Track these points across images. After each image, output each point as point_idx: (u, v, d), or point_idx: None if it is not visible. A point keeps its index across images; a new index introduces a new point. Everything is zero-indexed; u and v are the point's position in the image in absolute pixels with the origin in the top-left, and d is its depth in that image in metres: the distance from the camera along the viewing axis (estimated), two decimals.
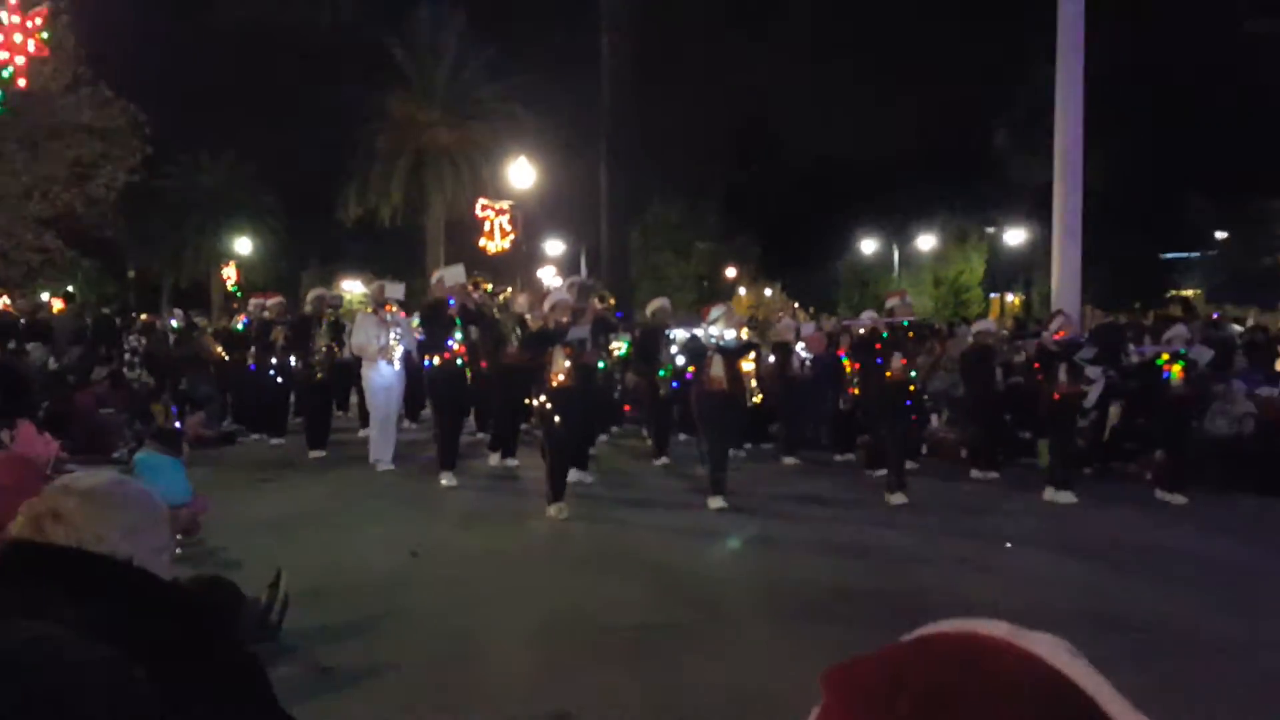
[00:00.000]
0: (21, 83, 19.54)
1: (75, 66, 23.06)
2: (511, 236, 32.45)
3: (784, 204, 50.66)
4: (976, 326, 16.14)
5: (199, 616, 2.38)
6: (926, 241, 50.95)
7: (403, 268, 28.97)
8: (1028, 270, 44.81)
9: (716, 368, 12.17)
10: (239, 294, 38.63)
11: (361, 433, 16.94)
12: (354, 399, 18.63)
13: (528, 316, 14.27)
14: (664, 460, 15.54)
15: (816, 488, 13.75)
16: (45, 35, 20.54)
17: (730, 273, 51.51)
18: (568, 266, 39.29)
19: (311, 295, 17.83)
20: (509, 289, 19.44)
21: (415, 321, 15.66)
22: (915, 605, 6.79)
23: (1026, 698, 1.05)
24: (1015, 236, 45.65)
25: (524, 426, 15.61)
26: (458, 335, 13.27)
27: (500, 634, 7.35)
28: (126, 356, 19.86)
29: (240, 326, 19.42)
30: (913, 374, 13.39)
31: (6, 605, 2.00)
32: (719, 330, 12.56)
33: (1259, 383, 13.80)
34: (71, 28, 22.61)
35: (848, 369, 15.58)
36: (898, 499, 12.45)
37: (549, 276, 33.18)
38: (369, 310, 15.21)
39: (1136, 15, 32.65)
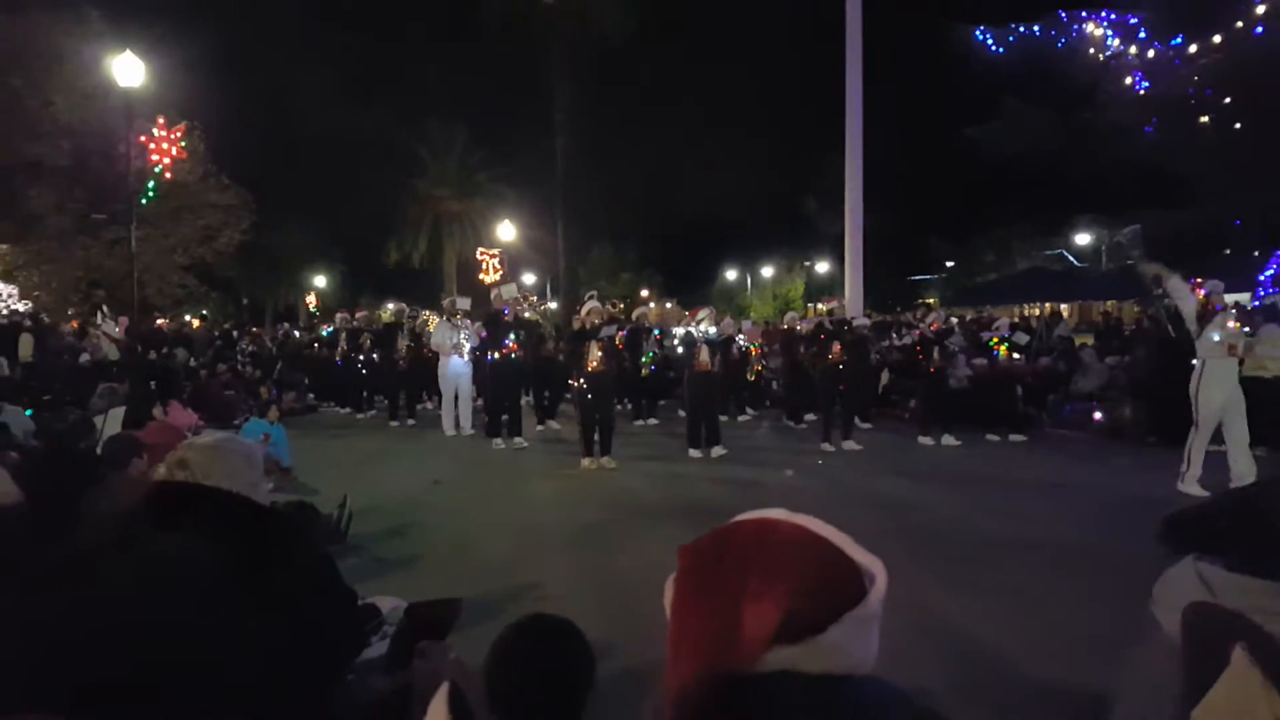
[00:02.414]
0: (167, 176, 19.20)
1: (204, 164, 22.73)
2: (501, 272, 32.29)
3: (676, 245, 50.69)
4: (857, 321, 15.05)
5: (288, 527, 2.40)
6: (767, 270, 51.37)
7: (427, 295, 28.69)
8: (830, 288, 45.29)
9: (704, 355, 11.39)
10: (317, 313, 38.25)
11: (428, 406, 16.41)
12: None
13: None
14: (653, 421, 14.59)
15: (753, 439, 13.02)
16: (184, 143, 20.20)
17: (644, 293, 51.50)
18: (538, 291, 39.26)
19: (393, 307, 17.08)
20: (547, 303, 18.99)
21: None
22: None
23: (799, 546, 1.13)
24: (822, 266, 46.21)
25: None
26: (511, 336, 12.29)
27: (494, 533, 7.38)
28: (240, 357, 19.55)
29: (326, 333, 19.02)
30: (845, 357, 12.12)
31: (153, 524, 2.01)
32: (705, 327, 11.76)
33: (973, 355, 14.04)
34: (201, 137, 22.33)
35: (753, 354, 15.36)
36: (849, 445, 11.62)
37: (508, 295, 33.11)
38: (443, 317, 14.08)
39: (898, 121, 33.19)
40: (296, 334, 22.13)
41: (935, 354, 12.55)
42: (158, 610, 1.25)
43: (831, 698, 1.05)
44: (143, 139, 17.99)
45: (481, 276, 32.25)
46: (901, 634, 4.68)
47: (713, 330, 11.86)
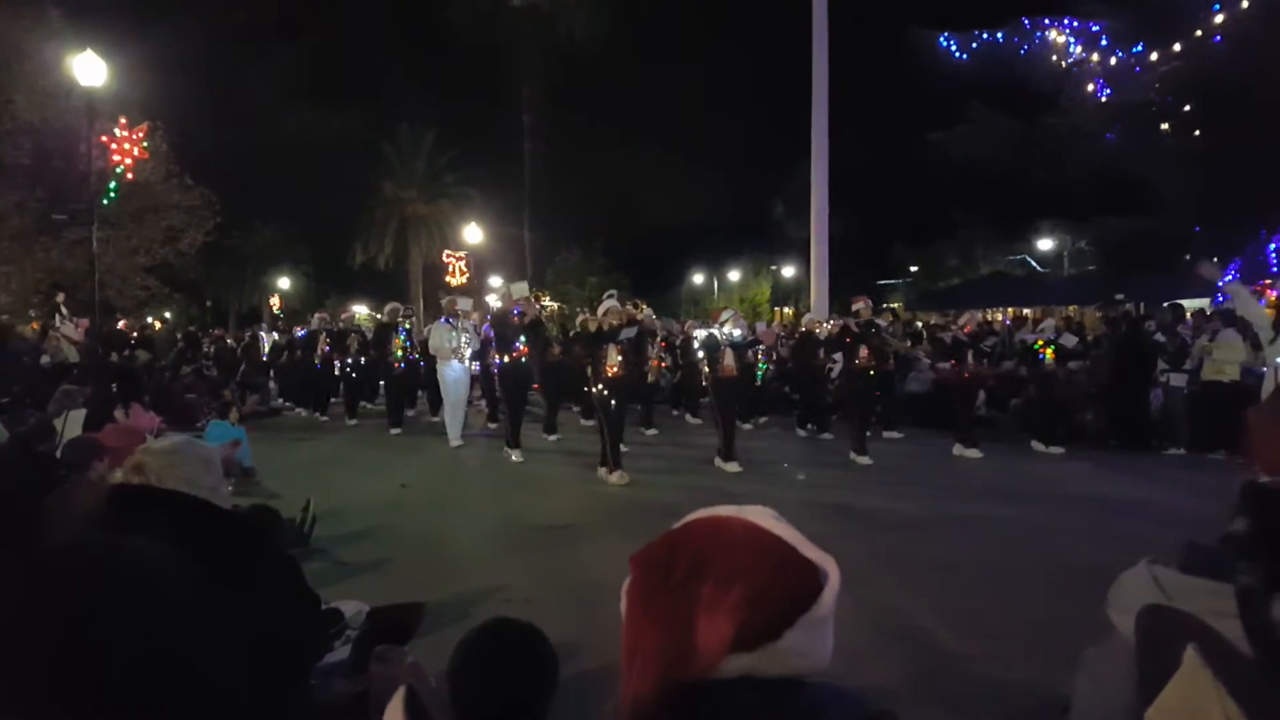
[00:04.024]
0: (129, 176, 18.92)
1: (167, 164, 22.37)
2: (467, 275, 32.21)
3: (644, 249, 50.70)
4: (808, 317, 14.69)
5: (249, 530, 2.38)
6: (734, 274, 51.47)
7: (392, 297, 28.44)
8: (796, 292, 45.48)
9: (729, 359, 10.40)
10: (281, 315, 37.88)
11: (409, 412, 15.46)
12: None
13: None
14: (653, 431, 13.48)
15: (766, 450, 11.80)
16: (146, 143, 19.91)
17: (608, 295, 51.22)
18: (504, 295, 39.23)
19: (388, 308, 15.57)
20: (556, 304, 17.24)
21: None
22: None
23: (750, 550, 1.12)
24: (788, 271, 46.33)
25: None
26: (522, 338, 11.33)
27: (462, 536, 7.34)
28: (205, 360, 19.30)
29: (299, 335, 18.70)
30: (873, 362, 11.25)
31: (111, 526, 1.99)
32: (729, 330, 10.83)
33: (937, 359, 14.12)
34: (164, 137, 22.00)
35: (759, 358, 14.31)
36: (863, 460, 10.66)
37: (492, 301, 33.05)
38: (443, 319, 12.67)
39: (862, 128, 33.45)
40: (276, 335, 21.76)
41: (969, 357, 11.76)
42: (128, 613, 1.24)
43: (788, 704, 1.06)
44: (104, 139, 17.68)
45: (448, 278, 32.19)
46: (862, 635, 4.71)
47: (737, 333, 10.96)
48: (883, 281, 47.11)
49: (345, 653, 3.02)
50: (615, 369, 9.76)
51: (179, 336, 21.55)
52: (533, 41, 34.26)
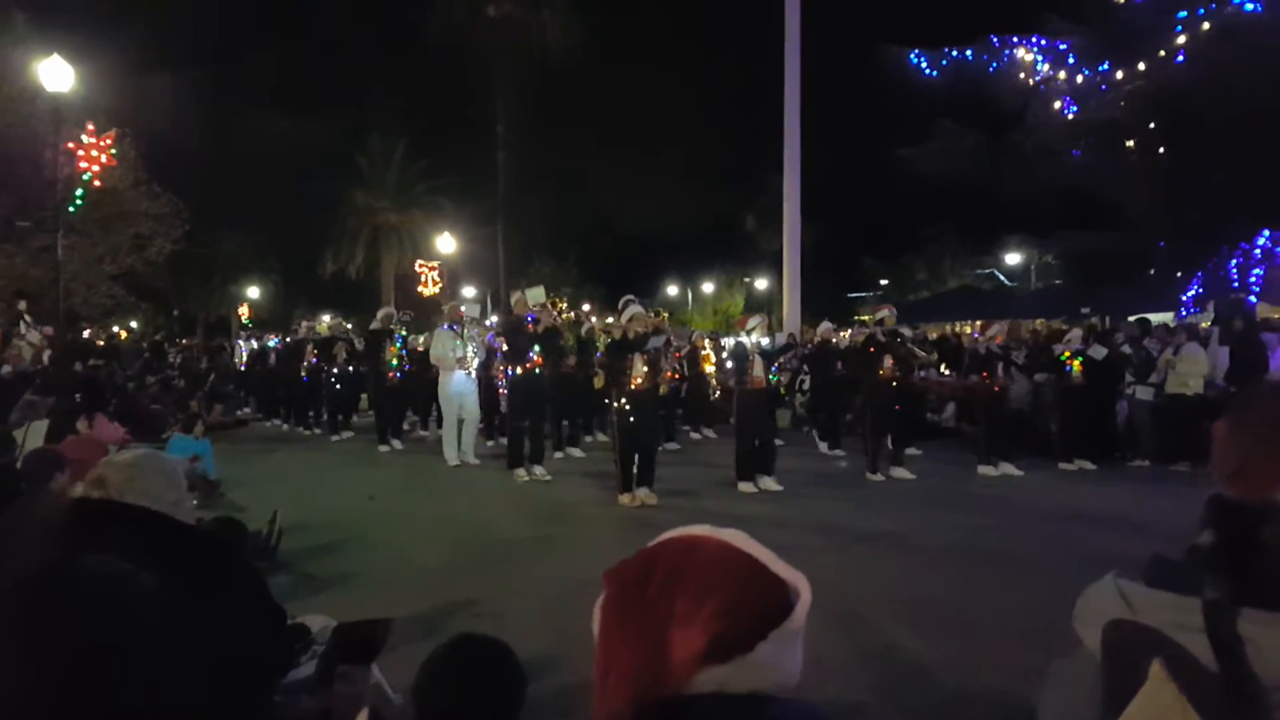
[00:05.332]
0: (96, 183, 18.73)
1: (135, 171, 22.14)
2: (440, 285, 32.08)
3: (617, 260, 50.81)
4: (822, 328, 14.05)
5: (212, 545, 2.34)
6: (708, 286, 51.70)
7: (364, 307, 28.19)
8: (769, 304, 45.65)
9: (758, 369, 9.64)
10: (250, 325, 37.49)
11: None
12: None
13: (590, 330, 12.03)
14: (673, 445, 12.69)
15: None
16: (114, 150, 19.72)
17: (586, 307, 51.18)
18: (480, 304, 39.16)
19: (381, 313, 14.29)
20: (573, 312, 16.00)
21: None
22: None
23: (724, 566, 1.13)
24: (761, 283, 46.58)
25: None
26: (536, 348, 10.62)
27: (432, 549, 7.26)
28: (170, 370, 19.10)
29: (271, 344, 18.46)
30: (898, 373, 10.59)
31: (72, 541, 1.96)
32: (757, 337, 10.15)
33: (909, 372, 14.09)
34: (132, 144, 21.76)
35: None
36: (900, 471, 10.21)
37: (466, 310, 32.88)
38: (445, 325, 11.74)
39: (833, 142, 33.71)
40: (254, 344, 21.56)
41: (1000, 371, 11.00)
42: (96, 633, 1.21)
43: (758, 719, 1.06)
44: (71, 145, 17.48)
45: (420, 289, 32.06)
46: (831, 647, 4.71)
47: (765, 341, 10.22)
48: (853, 294, 47.52)
49: (311, 668, 2.98)
50: (641, 381, 8.96)
51: (145, 346, 21.31)
52: (507, 53, 34.19)
